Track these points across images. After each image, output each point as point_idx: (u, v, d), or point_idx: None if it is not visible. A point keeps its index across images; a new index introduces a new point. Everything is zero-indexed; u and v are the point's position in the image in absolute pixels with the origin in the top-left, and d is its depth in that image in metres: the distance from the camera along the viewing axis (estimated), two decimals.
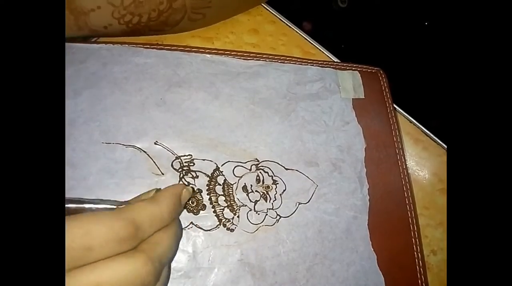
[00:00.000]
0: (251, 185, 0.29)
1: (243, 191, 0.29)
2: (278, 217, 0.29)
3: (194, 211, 0.27)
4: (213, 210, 0.28)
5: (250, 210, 0.28)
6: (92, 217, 0.18)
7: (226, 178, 0.29)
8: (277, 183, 0.30)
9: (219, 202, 0.28)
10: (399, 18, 0.51)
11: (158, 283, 0.20)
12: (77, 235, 0.16)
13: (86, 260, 0.17)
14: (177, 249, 0.24)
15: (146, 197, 0.23)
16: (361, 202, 0.31)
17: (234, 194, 0.29)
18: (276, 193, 0.29)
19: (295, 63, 0.35)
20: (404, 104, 0.40)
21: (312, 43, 0.41)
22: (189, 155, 0.29)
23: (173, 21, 0.32)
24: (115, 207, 0.21)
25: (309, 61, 0.36)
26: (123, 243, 0.18)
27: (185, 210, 0.27)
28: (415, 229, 0.32)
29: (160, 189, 0.24)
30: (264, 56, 0.35)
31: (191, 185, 0.28)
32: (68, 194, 0.24)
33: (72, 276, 0.16)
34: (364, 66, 0.37)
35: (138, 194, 0.26)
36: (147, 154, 0.28)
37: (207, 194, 0.28)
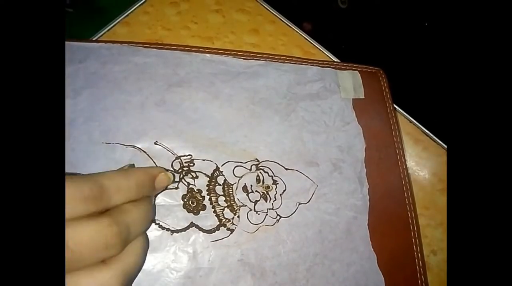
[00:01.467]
0: (251, 185, 0.29)
1: (243, 191, 0.29)
2: (278, 217, 0.29)
3: (194, 211, 0.27)
4: (213, 210, 0.28)
5: (250, 210, 0.28)
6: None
7: (226, 178, 0.29)
8: (277, 183, 0.30)
9: (219, 202, 0.28)
10: (399, 18, 0.51)
11: (132, 249, 0.20)
12: None
13: None
14: (149, 224, 0.24)
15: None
16: (361, 202, 0.31)
17: (234, 194, 0.29)
18: (276, 193, 0.29)
19: (295, 63, 0.35)
20: (404, 104, 0.40)
21: (312, 43, 0.41)
22: (189, 155, 0.29)
23: None
24: None
25: (309, 61, 0.36)
26: (89, 203, 0.18)
27: (185, 210, 0.27)
28: (415, 229, 0.32)
29: (134, 164, 0.26)
30: (264, 56, 0.35)
31: (191, 186, 0.28)
32: None
33: None
34: (364, 66, 0.37)
35: None
36: (147, 154, 0.28)
37: (207, 194, 0.28)
